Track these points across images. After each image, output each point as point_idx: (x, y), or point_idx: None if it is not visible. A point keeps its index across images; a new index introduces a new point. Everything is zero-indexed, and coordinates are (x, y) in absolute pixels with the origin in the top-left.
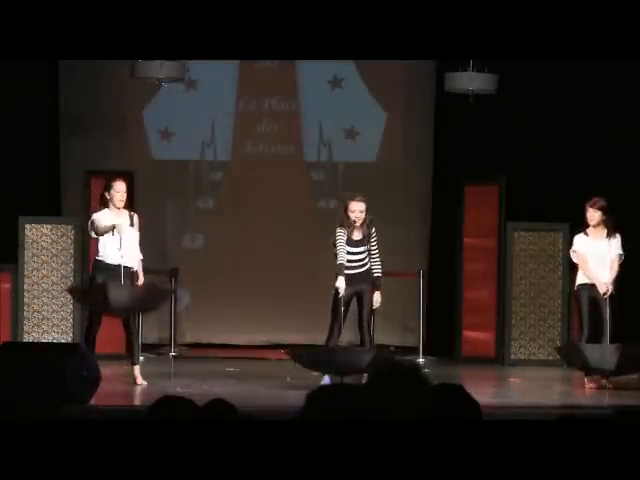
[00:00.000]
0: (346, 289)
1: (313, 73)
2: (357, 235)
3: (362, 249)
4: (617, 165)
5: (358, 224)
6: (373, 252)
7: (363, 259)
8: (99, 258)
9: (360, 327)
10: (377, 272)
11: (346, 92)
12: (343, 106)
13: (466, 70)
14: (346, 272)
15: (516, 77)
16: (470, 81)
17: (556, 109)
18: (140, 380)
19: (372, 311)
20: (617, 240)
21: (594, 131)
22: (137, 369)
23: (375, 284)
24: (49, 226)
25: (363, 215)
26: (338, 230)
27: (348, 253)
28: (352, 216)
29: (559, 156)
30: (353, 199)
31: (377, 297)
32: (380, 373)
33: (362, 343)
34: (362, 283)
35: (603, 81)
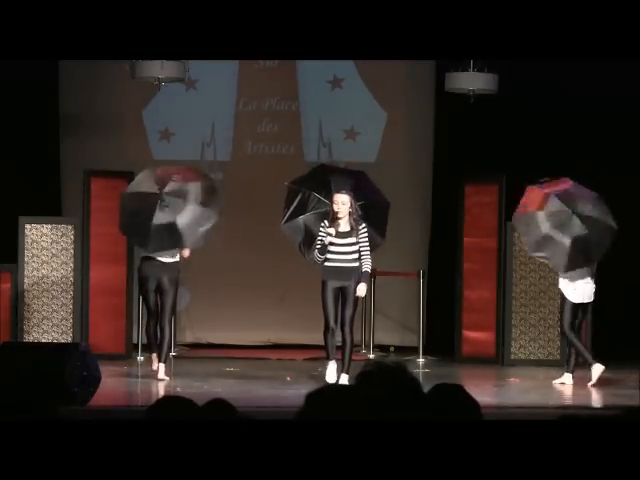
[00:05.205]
0: (332, 282)
1: (313, 73)
2: (343, 227)
3: (349, 241)
4: (617, 165)
5: (341, 216)
6: (363, 250)
7: (350, 252)
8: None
9: (342, 327)
10: (366, 267)
11: (346, 92)
12: (343, 106)
13: (466, 70)
14: (332, 264)
15: (516, 77)
16: (470, 81)
17: (556, 109)
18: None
19: (355, 310)
20: None
21: (594, 131)
22: (162, 367)
23: (361, 277)
24: (49, 226)
25: (346, 208)
26: (321, 224)
27: (333, 245)
28: (335, 208)
29: (559, 156)
30: (338, 192)
31: (362, 287)
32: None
33: (343, 343)
34: (348, 279)
35: (603, 81)
